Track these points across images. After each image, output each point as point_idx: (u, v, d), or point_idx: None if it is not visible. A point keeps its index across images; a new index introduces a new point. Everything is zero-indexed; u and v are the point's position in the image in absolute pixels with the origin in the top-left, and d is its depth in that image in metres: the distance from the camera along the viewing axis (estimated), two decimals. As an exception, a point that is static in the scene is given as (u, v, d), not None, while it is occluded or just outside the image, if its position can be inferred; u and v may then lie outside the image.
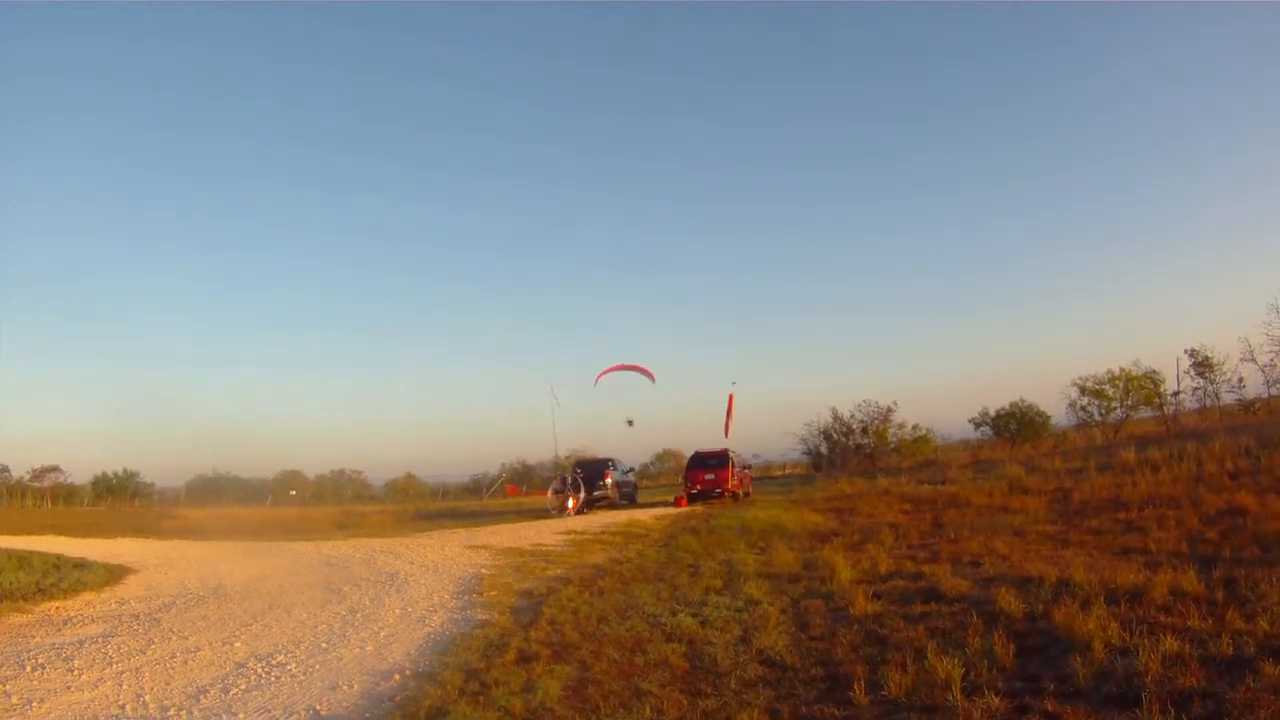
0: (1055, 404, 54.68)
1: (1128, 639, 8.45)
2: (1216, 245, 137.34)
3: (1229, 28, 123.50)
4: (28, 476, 72.15)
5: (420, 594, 14.94)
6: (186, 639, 11.72)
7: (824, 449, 64.00)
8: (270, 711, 8.31)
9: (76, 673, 9.86)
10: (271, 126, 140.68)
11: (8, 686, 9.24)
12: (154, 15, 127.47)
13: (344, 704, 8.55)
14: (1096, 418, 51.49)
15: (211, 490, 71.13)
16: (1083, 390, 51.23)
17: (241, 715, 8.21)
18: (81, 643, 11.54)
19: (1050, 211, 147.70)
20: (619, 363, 42.73)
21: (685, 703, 8.00)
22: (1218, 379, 47.98)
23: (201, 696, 8.84)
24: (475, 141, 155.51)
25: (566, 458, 52.95)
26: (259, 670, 9.89)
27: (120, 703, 8.64)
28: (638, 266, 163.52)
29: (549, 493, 38.21)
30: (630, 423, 42.23)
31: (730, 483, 37.26)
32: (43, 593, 15.75)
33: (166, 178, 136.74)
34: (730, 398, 39.65)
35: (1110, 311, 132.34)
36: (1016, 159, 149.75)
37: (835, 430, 62.81)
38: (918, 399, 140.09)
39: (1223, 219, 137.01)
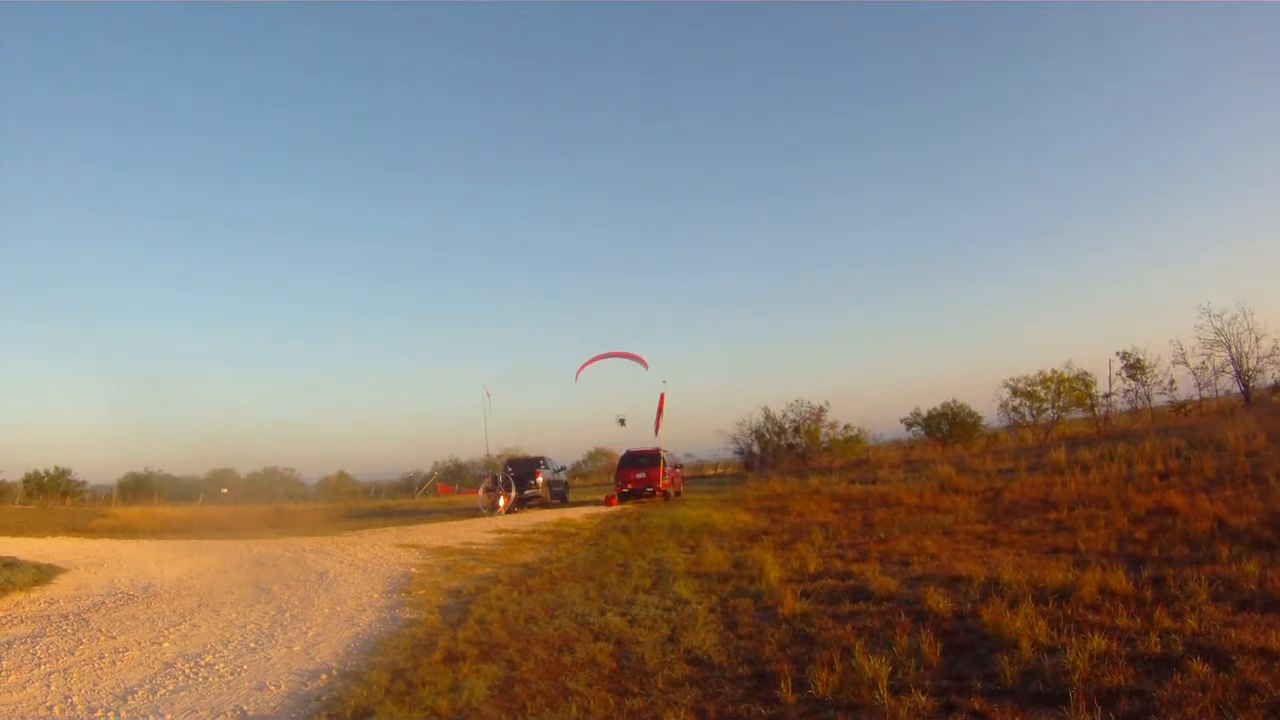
0: (987, 405, 55.55)
1: (1056, 637, 8.46)
2: (1148, 248, 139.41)
3: (1167, 30, 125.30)
4: (-44, 475, 71.35)
5: (349, 593, 14.82)
6: (115, 639, 11.49)
7: (756, 448, 64.61)
8: (197, 712, 8.17)
9: (4, 674, 9.65)
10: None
11: (-64, 689, 9.05)
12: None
13: (271, 704, 8.46)
14: (1028, 418, 52.23)
15: (143, 488, 70.55)
16: (1015, 391, 52.13)
17: (169, 716, 8.06)
18: (10, 644, 11.30)
19: (981, 213, 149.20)
20: (602, 352, 41.45)
21: (612, 702, 7.99)
22: (1149, 381, 48.64)
23: (129, 698, 8.67)
24: (402, 137, 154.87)
25: (498, 456, 52.83)
26: (187, 670, 9.73)
27: (48, 704, 8.46)
28: (569, 264, 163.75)
29: (480, 491, 37.95)
30: (622, 422, 41.43)
31: (662, 482, 37.39)
32: (-28, 594, 15.48)
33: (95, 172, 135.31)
34: (661, 397, 39.40)
35: (1043, 313, 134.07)
36: (949, 159, 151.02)
37: (767, 430, 63.47)
38: (850, 399, 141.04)
39: (1154, 222, 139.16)
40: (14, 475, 72.88)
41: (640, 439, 39.96)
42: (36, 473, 71.44)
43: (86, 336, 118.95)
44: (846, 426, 60.89)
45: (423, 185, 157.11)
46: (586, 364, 41.00)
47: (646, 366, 40.88)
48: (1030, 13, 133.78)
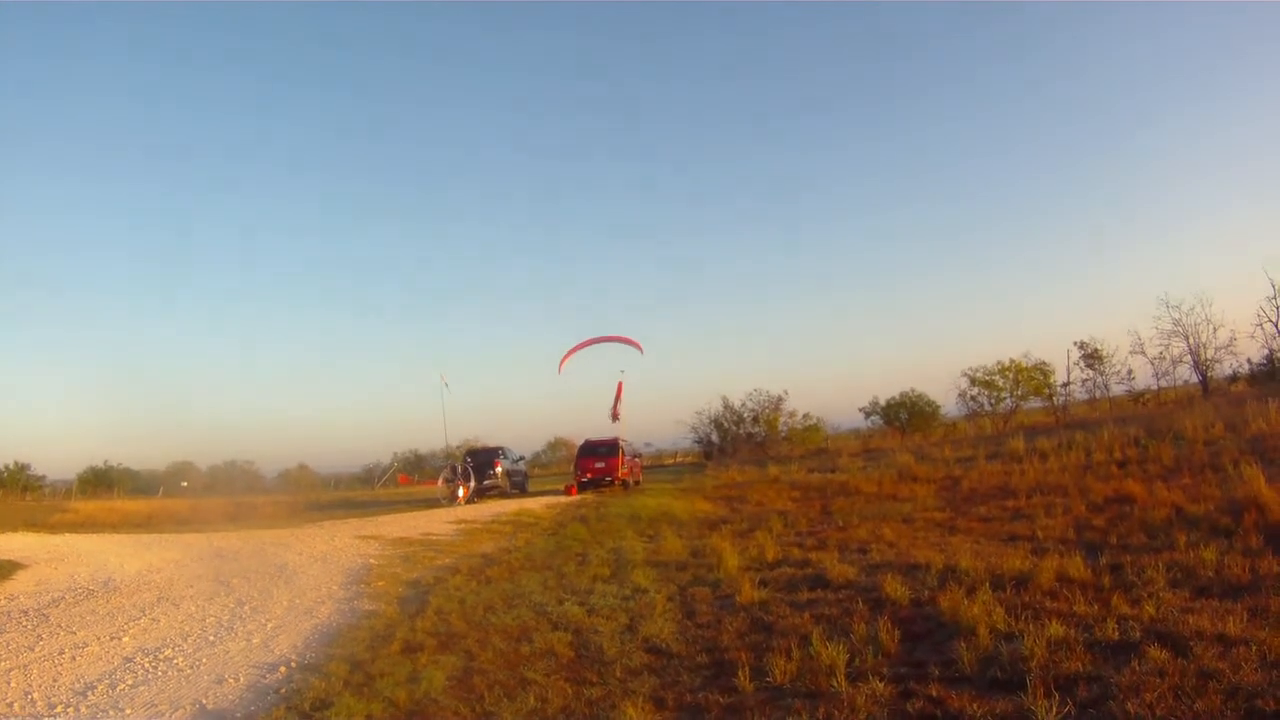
0: (946, 394, 55.82)
1: (1013, 624, 8.48)
2: (1107, 238, 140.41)
3: (1126, 26, 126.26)
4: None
5: (308, 585, 14.73)
6: (75, 634, 11.34)
7: (715, 437, 65.00)
8: (156, 707, 8.13)
9: (-35, 671, 9.55)
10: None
11: (-104, 687, 8.93)
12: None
13: (230, 697, 8.43)
14: (987, 408, 52.77)
15: (103, 482, 70.16)
16: (973, 381, 52.60)
17: (128, 711, 8.01)
18: (-32, 641, 11.19)
19: (941, 202, 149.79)
20: (587, 339, 41.08)
21: (570, 691, 8.01)
22: (1107, 370, 49.33)
23: (89, 693, 8.60)
24: (362, 139, 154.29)
25: (458, 447, 52.72)
26: (146, 665, 9.64)
27: (8, 701, 8.38)
28: (528, 255, 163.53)
29: (439, 482, 37.95)
30: (615, 416, 40.99)
31: (620, 471, 37.26)
32: (-69, 591, 15.29)
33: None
34: (619, 386, 39.34)
35: (1001, 302, 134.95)
36: (910, 155, 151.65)
37: (726, 419, 63.84)
38: (809, 388, 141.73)
39: (1114, 212, 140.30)
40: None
41: (632, 430, 39.69)
42: (-5, 468, 70.93)
43: (41, 330, 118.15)
44: (805, 415, 61.54)
45: (380, 184, 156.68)
46: (571, 352, 40.57)
47: (641, 351, 40.73)
48: (991, 10, 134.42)
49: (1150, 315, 50.17)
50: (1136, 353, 47.35)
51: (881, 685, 7.17)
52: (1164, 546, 11.95)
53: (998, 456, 29.48)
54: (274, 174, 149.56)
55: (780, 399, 61.70)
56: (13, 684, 8.97)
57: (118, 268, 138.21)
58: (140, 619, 12.36)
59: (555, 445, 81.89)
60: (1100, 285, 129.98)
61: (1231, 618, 7.90)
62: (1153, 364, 46.98)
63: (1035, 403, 52.59)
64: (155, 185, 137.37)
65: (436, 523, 25.64)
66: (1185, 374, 46.42)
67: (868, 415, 59.99)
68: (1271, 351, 44.33)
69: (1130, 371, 48.60)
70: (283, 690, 8.55)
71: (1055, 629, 8.04)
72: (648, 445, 66.70)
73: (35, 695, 8.54)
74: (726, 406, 63.88)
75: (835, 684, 7.29)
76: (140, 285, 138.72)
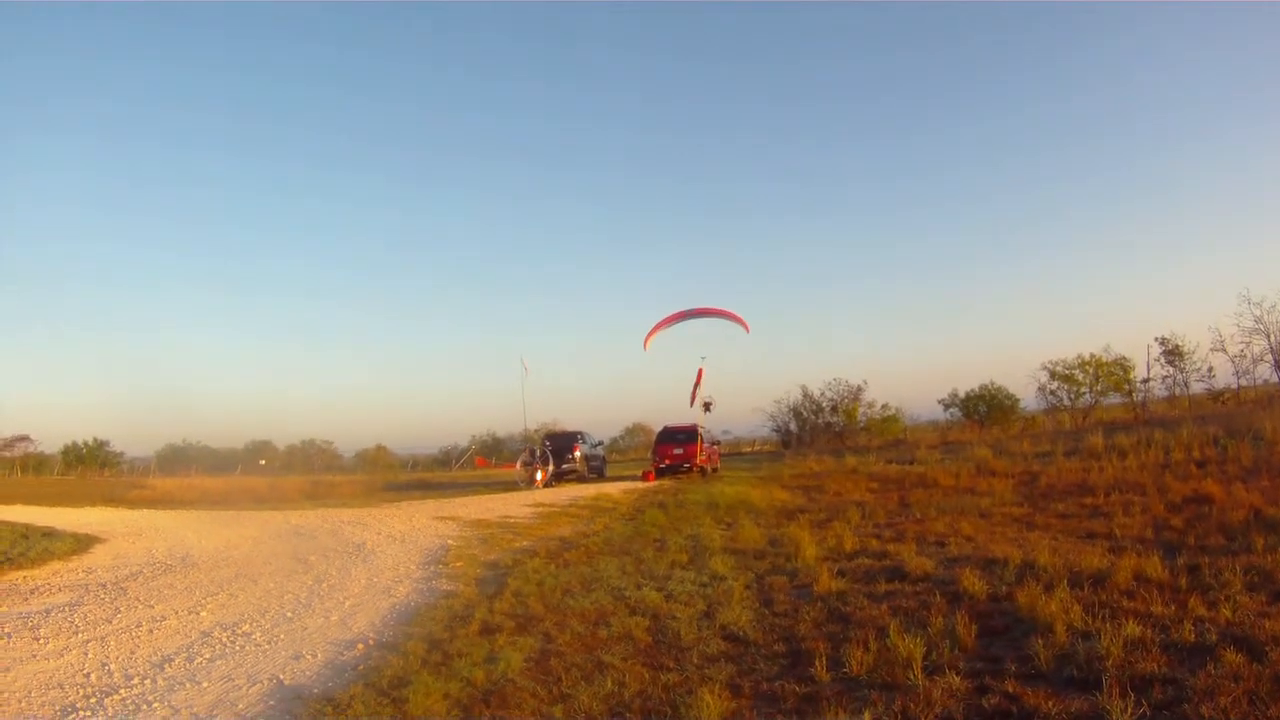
0: (1024, 387, 55.11)
1: (1090, 622, 8.42)
2: (1189, 235, 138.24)
3: (1213, 23, 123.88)
4: (-3, 446, 71.99)
5: (386, 564, 14.89)
6: (153, 608, 11.62)
7: (793, 426, 64.46)
8: (234, 680, 8.26)
9: (43, 641, 9.77)
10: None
11: (-26, 656, 9.15)
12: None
13: (307, 673, 8.53)
14: (1065, 402, 51.83)
15: (181, 460, 71.11)
16: (1052, 375, 51.62)
17: (205, 684, 8.14)
18: (48, 612, 11.43)
19: (1024, 198, 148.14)
20: (679, 311, 38.47)
21: (647, 676, 7.98)
22: (1187, 368, 48.20)
23: (166, 665, 8.77)
24: (438, 116, 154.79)
25: (536, 430, 52.87)
26: (224, 639, 9.83)
27: (85, 671, 8.56)
28: (609, 236, 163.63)
29: (517, 465, 38.26)
30: (708, 406, 39.57)
31: (699, 458, 37.08)
32: (10, 562, 15.57)
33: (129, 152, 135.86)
34: (699, 371, 38.94)
35: (1082, 297, 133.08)
36: (993, 142, 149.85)
37: (805, 408, 63.30)
38: (888, 379, 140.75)
39: (1196, 210, 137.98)
40: (52, 447, 73.68)
41: (710, 417, 39.20)
42: (75, 444, 72.20)
43: (124, 308, 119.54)
44: (884, 406, 60.74)
45: (461, 164, 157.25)
46: (660, 326, 38.76)
47: (747, 328, 38.77)
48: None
49: (1232, 312, 49.41)
50: (1217, 350, 46.13)
51: (958, 679, 7.17)
52: (1241, 549, 11.80)
53: (1076, 453, 29.06)
54: (359, 149, 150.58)
55: (859, 389, 61.07)
56: (90, 655, 9.21)
57: (190, 242, 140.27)
58: (218, 594, 12.64)
59: (633, 431, 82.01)
60: (1182, 281, 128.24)
61: (1309, 624, 7.84)
62: (1233, 362, 45.74)
63: (1114, 398, 51.51)
64: (225, 155, 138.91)
65: (514, 505, 25.79)
66: (1266, 373, 45.14)
67: (946, 407, 59.21)
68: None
69: (1210, 369, 47.40)
70: (360, 668, 8.66)
71: (1132, 629, 8.01)
72: (726, 433, 66.39)
73: (113, 666, 8.76)
74: (805, 395, 63.47)
75: (912, 677, 7.30)
76: (220, 263, 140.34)
